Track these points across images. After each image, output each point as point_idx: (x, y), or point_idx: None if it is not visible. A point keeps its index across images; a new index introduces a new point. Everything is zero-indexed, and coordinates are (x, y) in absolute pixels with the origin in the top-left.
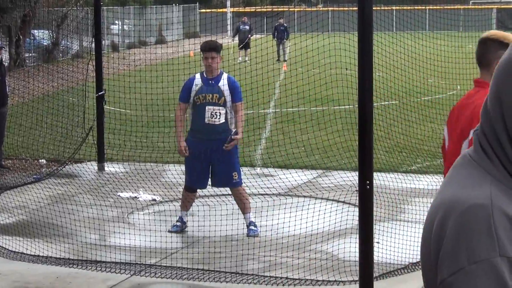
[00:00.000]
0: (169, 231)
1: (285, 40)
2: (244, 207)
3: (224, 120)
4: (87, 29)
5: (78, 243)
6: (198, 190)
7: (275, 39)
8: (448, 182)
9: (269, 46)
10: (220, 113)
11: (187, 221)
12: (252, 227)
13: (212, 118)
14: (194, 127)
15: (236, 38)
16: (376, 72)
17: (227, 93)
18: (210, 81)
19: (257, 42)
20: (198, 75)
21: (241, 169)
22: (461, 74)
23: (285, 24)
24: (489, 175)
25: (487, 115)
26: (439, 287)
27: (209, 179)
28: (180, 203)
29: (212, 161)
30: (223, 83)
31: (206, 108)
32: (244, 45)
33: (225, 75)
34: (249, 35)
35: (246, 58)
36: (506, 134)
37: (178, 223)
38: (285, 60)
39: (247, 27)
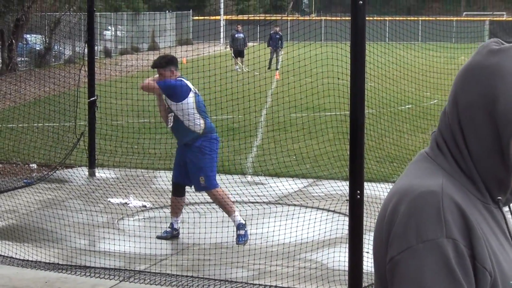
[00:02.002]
0: (157, 237)
1: (279, 49)
2: (227, 210)
3: (174, 124)
4: (80, 34)
5: (67, 248)
6: (187, 197)
7: (270, 47)
8: (405, 174)
9: (262, 54)
10: (171, 118)
11: (178, 228)
12: (241, 232)
13: (169, 123)
14: None
15: (228, 46)
16: (368, 82)
17: (169, 101)
18: None
19: (250, 50)
20: None
21: (215, 174)
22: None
23: (280, 33)
24: (442, 169)
25: (445, 117)
26: (388, 264)
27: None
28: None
29: (186, 161)
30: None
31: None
32: (239, 53)
33: (168, 79)
34: (245, 44)
35: (243, 66)
36: (461, 131)
37: (169, 229)
38: (277, 69)
39: (241, 35)
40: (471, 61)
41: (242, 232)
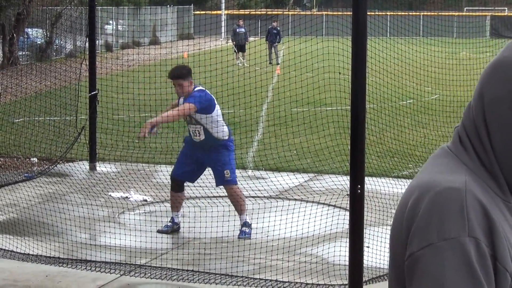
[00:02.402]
0: (158, 231)
1: (276, 44)
2: (239, 209)
3: (204, 137)
4: (81, 28)
5: (68, 242)
6: (188, 191)
7: (267, 42)
8: (426, 168)
9: (263, 49)
10: (198, 131)
11: (179, 222)
12: (245, 229)
13: (195, 136)
14: (190, 137)
15: (230, 41)
16: (369, 77)
17: (198, 114)
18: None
19: (251, 45)
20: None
21: (235, 170)
22: (454, 80)
23: (278, 28)
24: (464, 165)
25: (469, 112)
26: (408, 260)
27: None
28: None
29: (205, 162)
30: None
31: (189, 127)
32: (240, 47)
33: (194, 93)
34: (246, 39)
35: (244, 61)
36: (485, 127)
37: (169, 223)
38: (278, 63)
39: (243, 30)
40: (499, 57)
41: (247, 229)
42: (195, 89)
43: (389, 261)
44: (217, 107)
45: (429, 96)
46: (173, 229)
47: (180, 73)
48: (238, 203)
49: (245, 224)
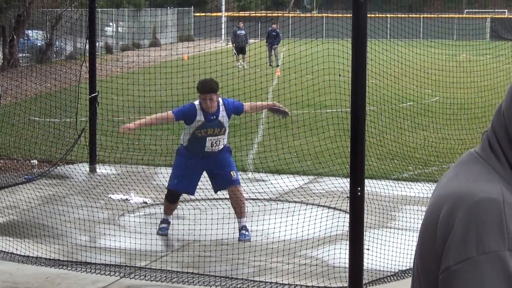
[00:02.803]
0: (158, 233)
1: (276, 46)
2: (240, 211)
3: (222, 146)
4: (81, 30)
5: (68, 244)
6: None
7: (267, 44)
8: (455, 175)
9: (263, 51)
10: (219, 141)
11: (172, 219)
12: (244, 232)
13: (212, 147)
14: (192, 149)
15: (230, 43)
16: (369, 79)
17: (226, 121)
18: (212, 117)
19: (251, 47)
20: (198, 108)
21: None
22: (455, 82)
23: (277, 30)
24: (496, 173)
25: (500, 116)
26: (443, 274)
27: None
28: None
29: (209, 169)
30: (222, 115)
31: (207, 139)
32: (240, 49)
33: (221, 103)
34: (246, 41)
35: (244, 64)
36: None
37: (164, 225)
38: (278, 66)
39: (243, 32)
40: None
41: (246, 232)
42: (225, 103)
43: (416, 272)
44: None
45: (429, 98)
46: (168, 228)
47: (213, 87)
48: (239, 205)
49: (242, 228)
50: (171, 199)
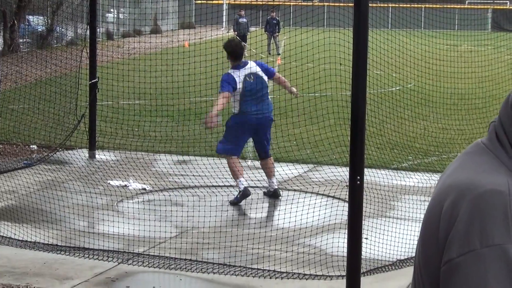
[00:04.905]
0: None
1: (277, 34)
2: (272, 174)
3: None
4: (82, 16)
5: (66, 230)
6: (187, 180)
7: (267, 32)
8: (461, 166)
9: (264, 39)
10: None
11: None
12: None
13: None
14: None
15: (232, 30)
16: (370, 69)
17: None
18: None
19: (252, 34)
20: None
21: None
22: (456, 73)
23: (277, 18)
24: (503, 165)
25: (508, 108)
26: (445, 266)
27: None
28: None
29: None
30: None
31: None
32: (242, 37)
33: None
34: (247, 29)
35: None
36: None
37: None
38: (278, 54)
39: (245, 20)
40: None
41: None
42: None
43: (417, 263)
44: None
45: (430, 88)
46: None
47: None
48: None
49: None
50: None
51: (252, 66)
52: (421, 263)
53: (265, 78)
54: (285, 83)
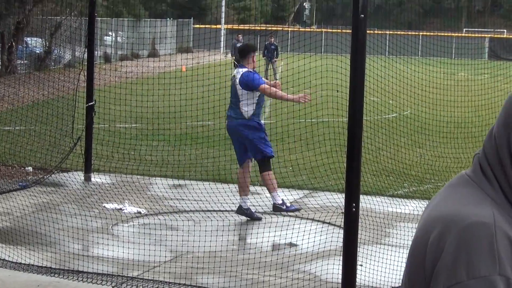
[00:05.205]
0: (274, 208)
1: (275, 60)
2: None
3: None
4: (80, 39)
5: (61, 252)
6: (182, 205)
7: (265, 58)
8: (445, 198)
9: (262, 64)
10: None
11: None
12: (277, 202)
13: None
14: (258, 113)
15: (229, 55)
16: (367, 96)
17: (239, 89)
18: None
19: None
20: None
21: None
22: (452, 101)
23: (275, 43)
24: (488, 197)
25: (492, 140)
26: None
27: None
28: (270, 187)
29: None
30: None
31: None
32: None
33: (242, 72)
34: None
35: None
36: (510, 157)
37: (285, 206)
38: (276, 80)
39: None
40: None
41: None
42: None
43: None
44: None
45: (426, 116)
46: (281, 209)
47: (238, 53)
48: (240, 182)
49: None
50: (269, 166)
51: (238, 72)
52: None
53: (239, 88)
54: (275, 94)
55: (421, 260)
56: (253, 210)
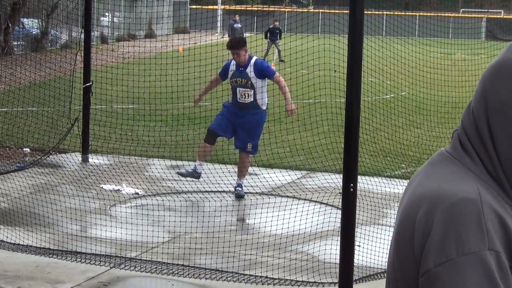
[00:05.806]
0: (177, 172)
1: (278, 41)
2: (240, 172)
3: (252, 100)
4: (77, 19)
5: (59, 233)
6: (180, 185)
7: (268, 40)
8: (428, 176)
9: (258, 44)
10: (248, 94)
11: (200, 172)
12: (239, 188)
13: (241, 98)
14: (232, 101)
15: (226, 35)
16: (364, 76)
17: (253, 77)
18: (240, 68)
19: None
20: (233, 63)
21: (258, 145)
22: (449, 81)
23: (279, 27)
24: (471, 172)
25: (470, 114)
26: (423, 277)
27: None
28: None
29: (237, 126)
30: (250, 70)
31: (237, 89)
32: None
33: (253, 61)
34: (242, 34)
35: None
36: (488, 131)
37: (189, 170)
38: (281, 61)
39: (239, 25)
40: (503, 58)
41: (239, 188)
42: (256, 63)
43: (392, 277)
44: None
45: (423, 96)
46: (192, 176)
47: (233, 45)
48: (243, 168)
49: (239, 185)
50: (208, 139)
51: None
52: (398, 276)
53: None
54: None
55: (409, 240)
56: (246, 190)
